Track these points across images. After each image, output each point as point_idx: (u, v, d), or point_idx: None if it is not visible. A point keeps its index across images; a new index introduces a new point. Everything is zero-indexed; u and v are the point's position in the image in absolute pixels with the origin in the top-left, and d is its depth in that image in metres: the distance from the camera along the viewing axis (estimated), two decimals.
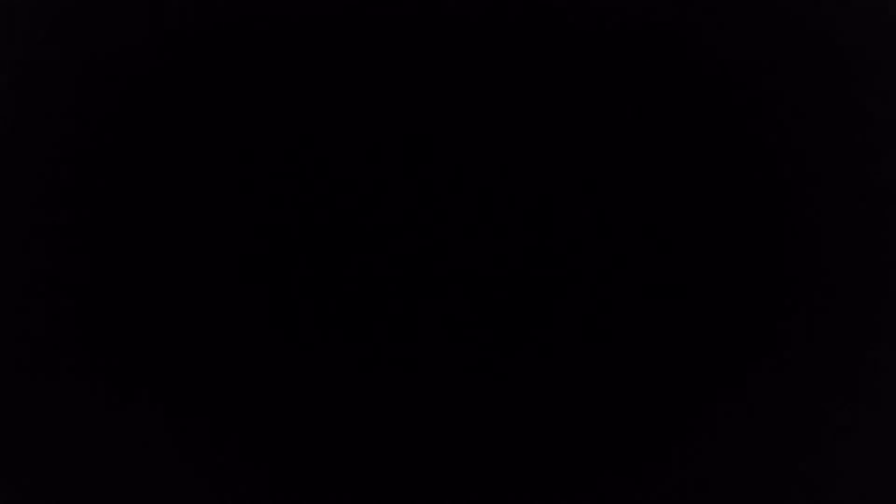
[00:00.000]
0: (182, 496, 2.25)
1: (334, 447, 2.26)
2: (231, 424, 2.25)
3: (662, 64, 2.31)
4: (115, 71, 2.31)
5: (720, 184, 2.30)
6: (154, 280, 2.27)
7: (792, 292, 2.29)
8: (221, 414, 2.25)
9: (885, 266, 2.31)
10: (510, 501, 2.26)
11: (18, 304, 2.28)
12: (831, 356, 2.29)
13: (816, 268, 2.30)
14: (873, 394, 2.29)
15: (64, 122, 2.31)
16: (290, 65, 2.31)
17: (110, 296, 2.27)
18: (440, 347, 2.26)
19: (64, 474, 2.27)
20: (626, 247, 2.28)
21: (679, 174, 2.29)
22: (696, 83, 2.31)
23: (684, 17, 2.33)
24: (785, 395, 2.28)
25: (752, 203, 2.30)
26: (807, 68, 2.34)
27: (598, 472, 2.25)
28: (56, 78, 2.32)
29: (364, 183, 2.28)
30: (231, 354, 2.26)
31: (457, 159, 2.29)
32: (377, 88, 2.30)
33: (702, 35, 2.32)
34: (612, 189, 2.28)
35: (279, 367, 2.26)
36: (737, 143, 2.31)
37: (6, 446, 2.27)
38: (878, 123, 2.34)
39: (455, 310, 2.27)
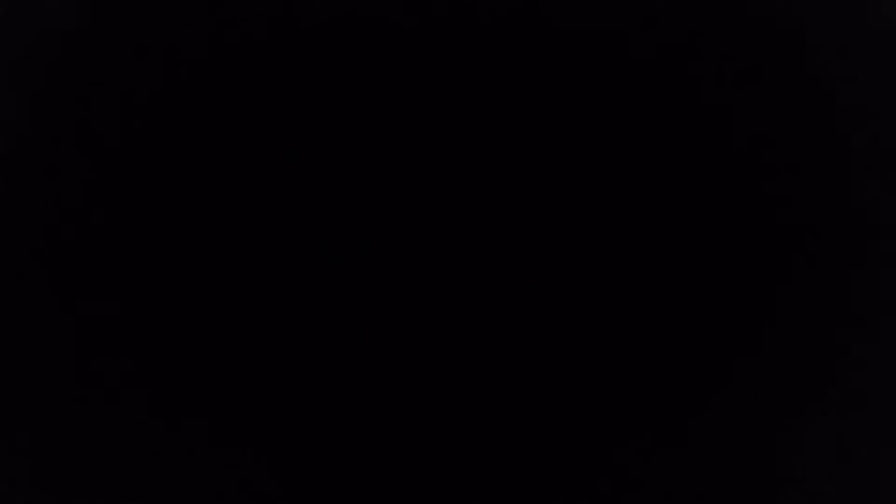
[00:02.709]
0: (181, 495, 2.28)
1: (334, 447, 2.27)
2: (230, 422, 2.26)
3: (656, 62, 2.29)
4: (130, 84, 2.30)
5: (708, 184, 2.28)
6: (156, 280, 2.29)
7: (778, 292, 2.29)
8: (219, 414, 2.26)
9: (874, 266, 2.30)
10: (509, 500, 2.27)
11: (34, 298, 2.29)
12: (816, 356, 2.29)
13: (805, 267, 2.30)
14: (859, 393, 2.29)
15: (88, 125, 2.30)
16: (293, 72, 2.30)
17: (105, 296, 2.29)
18: (438, 347, 2.27)
19: (65, 472, 2.29)
20: (615, 248, 2.27)
21: (668, 177, 2.28)
22: (690, 84, 2.30)
23: (680, 19, 2.31)
24: (770, 394, 2.27)
25: (738, 205, 2.29)
26: (801, 71, 2.32)
27: (589, 471, 2.26)
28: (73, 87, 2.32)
29: (363, 187, 2.28)
30: (233, 354, 2.26)
31: (455, 161, 2.29)
32: (381, 99, 2.29)
33: (697, 36, 2.30)
34: (591, 191, 2.27)
35: (281, 366, 2.28)
36: (727, 147, 2.29)
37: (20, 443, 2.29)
38: (868, 125, 2.32)
39: (450, 309, 2.28)
